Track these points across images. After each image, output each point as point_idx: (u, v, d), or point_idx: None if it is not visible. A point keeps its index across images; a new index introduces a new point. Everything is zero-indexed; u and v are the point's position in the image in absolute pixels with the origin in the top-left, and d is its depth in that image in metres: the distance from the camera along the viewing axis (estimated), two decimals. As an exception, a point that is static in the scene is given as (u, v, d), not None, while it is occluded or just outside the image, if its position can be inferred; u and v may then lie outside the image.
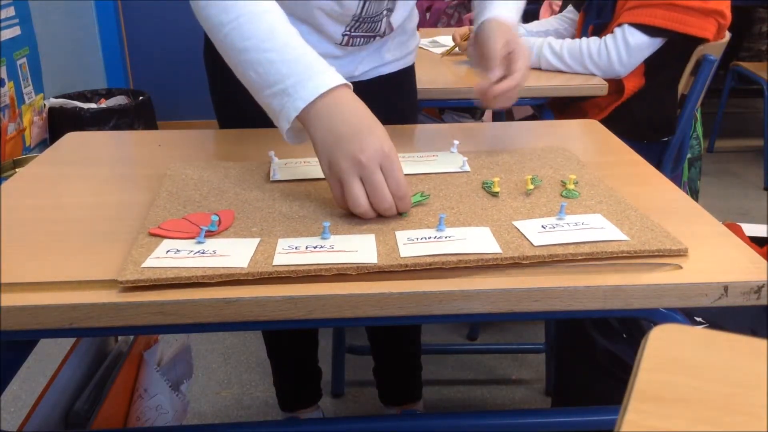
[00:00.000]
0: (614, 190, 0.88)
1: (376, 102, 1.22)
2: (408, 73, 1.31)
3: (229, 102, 1.25)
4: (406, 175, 0.86)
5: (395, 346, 1.59)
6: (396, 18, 1.17)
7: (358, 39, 1.15)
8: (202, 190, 0.91)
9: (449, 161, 1.00)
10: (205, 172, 0.98)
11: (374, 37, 1.16)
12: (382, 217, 0.81)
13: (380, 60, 1.22)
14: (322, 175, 0.94)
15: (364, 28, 1.13)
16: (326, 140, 0.82)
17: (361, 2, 1.08)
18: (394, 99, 1.28)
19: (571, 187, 0.89)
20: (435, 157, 1.02)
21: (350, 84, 0.87)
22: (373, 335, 1.59)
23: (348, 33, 1.13)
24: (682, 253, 0.72)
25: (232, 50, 0.89)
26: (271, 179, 0.95)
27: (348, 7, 1.08)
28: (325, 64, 0.87)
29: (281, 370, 1.56)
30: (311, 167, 0.98)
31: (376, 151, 0.79)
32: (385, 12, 1.13)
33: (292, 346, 1.53)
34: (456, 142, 1.04)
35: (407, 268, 0.71)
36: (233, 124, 1.23)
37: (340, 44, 1.14)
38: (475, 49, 1.11)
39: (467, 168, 0.97)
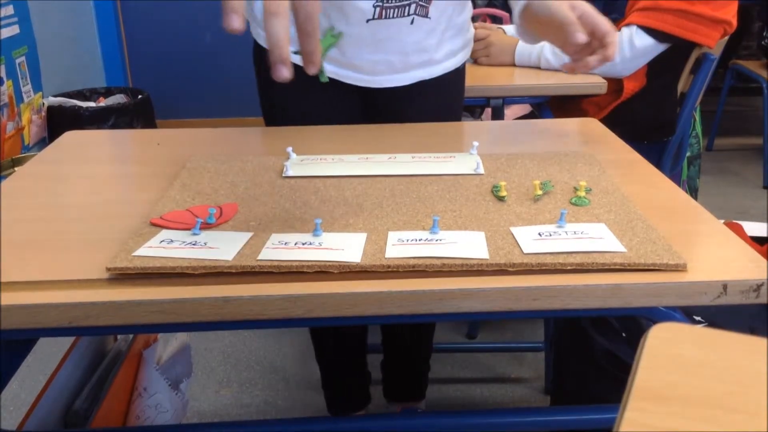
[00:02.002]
0: (627, 199, 0.86)
1: (420, 110, 1.22)
2: (456, 76, 1.27)
3: (275, 107, 1.26)
4: (415, 176, 0.85)
5: (406, 344, 1.58)
6: (436, 13, 1.13)
7: (392, 10, 1.10)
8: (215, 183, 0.93)
9: (464, 163, 0.99)
10: (223, 165, 0.99)
11: (409, 6, 1.11)
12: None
13: (427, 54, 1.18)
14: (333, 173, 0.95)
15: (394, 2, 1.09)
16: None
17: None
18: (439, 104, 1.25)
19: (582, 194, 0.87)
20: (452, 158, 1.02)
21: None
22: (386, 330, 1.59)
23: (380, 3, 1.09)
24: (679, 269, 0.70)
25: None
26: (283, 175, 0.95)
27: None
28: None
29: (329, 374, 1.56)
30: (325, 164, 0.99)
31: None
32: None
33: (343, 350, 1.52)
34: (476, 143, 1.03)
35: (389, 269, 0.71)
36: (279, 124, 1.24)
37: (373, 18, 1.10)
38: (528, 29, 1.05)
39: (481, 170, 0.97)
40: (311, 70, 0.71)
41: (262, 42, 1.19)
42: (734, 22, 1.65)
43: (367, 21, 1.11)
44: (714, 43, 1.65)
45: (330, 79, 1.16)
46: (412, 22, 1.13)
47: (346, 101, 1.24)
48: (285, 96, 1.23)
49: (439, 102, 1.27)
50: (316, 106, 1.21)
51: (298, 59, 1.19)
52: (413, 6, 1.12)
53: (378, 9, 1.10)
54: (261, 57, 1.22)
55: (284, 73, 0.67)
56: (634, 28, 1.63)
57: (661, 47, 1.64)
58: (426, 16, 1.14)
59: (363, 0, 1.09)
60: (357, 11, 1.10)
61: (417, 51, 1.18)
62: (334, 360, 1.54)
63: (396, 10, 1.11)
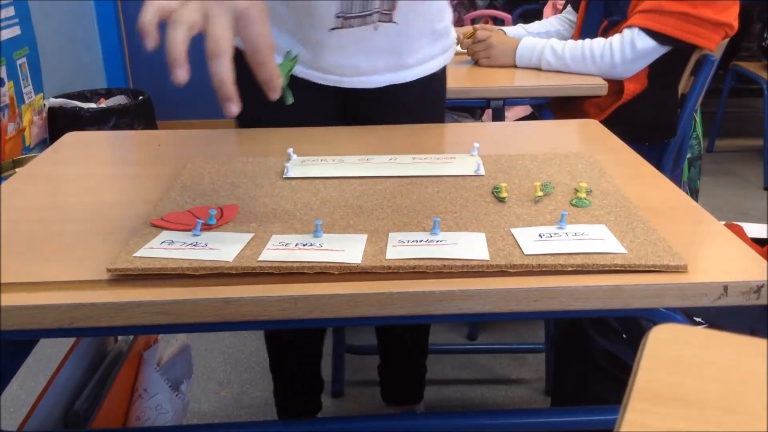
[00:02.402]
0: (628, 200, 0.86)
1: (398, 113, 1.21)
2: (434, 81, 1.25)
3: (246, 116, 1.25)
4: (416, 177, 0.85)
5: (403, 346, 1.58)
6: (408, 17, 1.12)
7: (354, 20, 1.10)
8: (216, 184, 0.93)
9: (465, 164, 0.99)
10: (224, 166, 0.99)
11: (372, 15, 1.10)
12: None
13: (398, 60, 1.18)
14: (334, 174, 0.95)
15: (357, 9, 1.08)
16: None
17: None
18: (416, 110, 1.24)
19: (582, 195, 0.87)
20: (453, 160, 1.02)
21: None
22: (381, 332, 1.59)
23: (342, 14, 1.09)
24: (680, 270, 0.70)
25: None
26: (283, 176, 0.95)
27: None
28: None
29: (282, 382, 1.54)
30: (326, 165, 0.99)
31: None
32: None
33: (295, 358, 1.51)
34: (476, 144, 1.03)
35: (390, 270, 0.71)
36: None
37: (336, 28, 1.10)
38: None
39: (482, 172, 0.97)
40: (272, 96, 0.71)
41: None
42: (735, 24, 1.65)
43: (330, 30, 1.11)
44: (715, 46, 1.65)
45: (300, 78, 1.17)
46: (375, 29, 1.13)
47: (320, 105, 1.23)
48: (256, 102, 1.23)
49: (416, 107, 1.26)
50: (289, 110, 1.21)
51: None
52: (375, 15, 1.11)
53: (340, 20, 1.10)
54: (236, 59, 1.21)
55: (232, 110, 0.68)
56: (636, 29, 1.63)
57: (663, 50, 1.64)
58: (390, 21, 1.13)
59: (326, 9, 1.08)
60: (320, 20, 1.10)
61: (383, 54, 1.17)
62: (286, 366, 1.52)
63: (358, 19, 1.11)
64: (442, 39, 1.24)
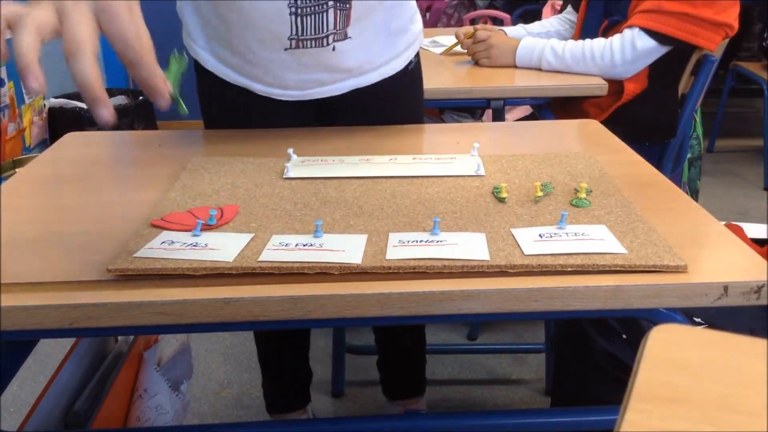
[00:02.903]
0: (628, 200, 0.86)
1: (369, 116, 1.19)
2: (402, 79, 1.22)
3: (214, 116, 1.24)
4: (416, 177, 0.85)
5: (399, 339, 1.58)
6: (358, 11, 1.06)
7: (308, 41, 1.06)
8: (216, 184, 0.93)
9: (465, 164, 1.00)
10: (224, 166, 0.99)
11: (327, 37, 1.07)
12: None
13: (357, 71, 1.15)
14: (334, 174, 0.95)
15: (310, 26, 1.04)
16: None
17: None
18: (388, 112, 1.22)
19: (582, 195, 0.87)
20: (453, 160, 1.02)
21: None
22: (377, 329, 1.59)
23: (295, 36, 1.05)
24: (680, 270, 0.70)
25: None
26: (283, 176, 0.95)
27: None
28: None
29: (270, 373, 1.55)
30: (326, 166, 0.99)
31: None
32: (331, 3, 1.03)
33: (283, 349, 1.51)
34: (476, 144, 1.03)
35: (390, 271, 0.71)
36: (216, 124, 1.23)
37: (290, 48, 1.07)
38: None
39: (482, 172, 0.97)
40: (160, 104, 0.63)
41: (201, 62, 1.18)
42: (736, 25, 1.65)
43: (285, 50, 1.08)
44: (715, 47, 1.65)
45: (264, 97, 1.15)
46: (333, 50, 1.10)
47: (292, 118, 1.20)
48: (225, 117, 1.23)
49: (390, 105, 1.23)
50: (261, 124, 1.19)
51: (217, 67, 1.07)
52: (330, 37, 1.08)
53: (294, 41, 1.06)
54: (200, 70, 1.21)
55: (104, 115, 0.59)
56: (636, 30, 1.63)
57: (663, 50, 1.64)
58: (345, 38, 1.09)
59: (276, 32, 1.05)
60: (274, 40, 1.07)
61: (344, 68, 1.15)
62: (276, 359, 1.52)
63: (312, 41, 1.07)
64: (401, 34, 1.20)
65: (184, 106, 0.71)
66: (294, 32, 1.05)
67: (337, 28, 1.07)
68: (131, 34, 0.60)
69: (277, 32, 1.06)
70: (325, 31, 1.06)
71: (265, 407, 1.59)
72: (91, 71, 0.59)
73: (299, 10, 1.03)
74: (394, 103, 1.24)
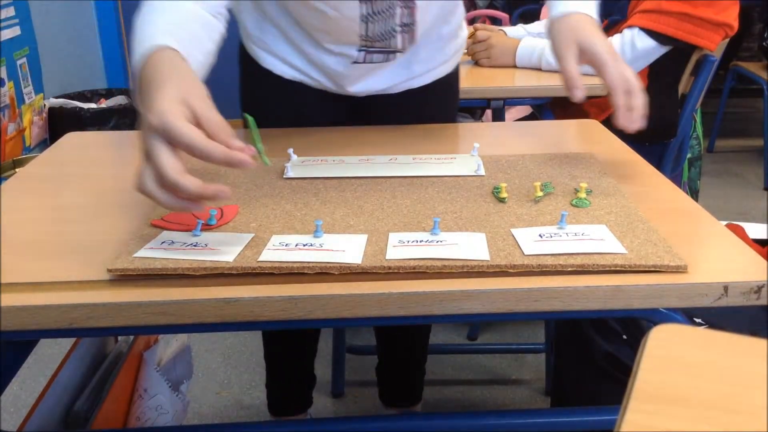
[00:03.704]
0: (628, 200, 0.86)
1: (407, 115, 1.22)
2: (446, 82, 1.25)
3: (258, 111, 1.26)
4: (416, 177, 0.84)
5: (402, 348, 1.58)
6: (420, 31, 1.11)
7: (376, 56, 1.12)
8: (216, 184, 0.92)
9: (465, 164, 0.99)
10: (224, 166, 0.99)
11: (393, 53, 1.12)
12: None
13: (409, 74, 1.19)
14: (334, 174, 0.95)
15: (378, 47, 1.11)
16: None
17: (363, 24, 1.05)
18: (426, 111, 1.24)
19: (582, 195, 0.87)
20: (453, 160, 1.02)
21: (171, 47, 0.80)
22: (380, 334, 1.58)
23: (365, 49, 1.11)
24: (680, 270, 0.70)
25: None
26: (283, 176, 0.95)
27: (349, 30, 1.06)
28: (159, 35, 0.81)
29: (275, 374, 1.54)
30: (326, 166, 0.99)
31: (157, 114, 0.71)
32: (398, 29, 1.08)
33: (291, 351, 1.51)
34: (476, 145, 1.03)
35: (390, 271, 0.71)
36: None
37: (358, 62, 1.12)
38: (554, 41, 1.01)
39: (482, 172, 0.97)
40: (248, 166, 0.71)
41: (253, 55, 1.20)
42: (735, 25, 1.65)
43: (352, 63, 1.13)
44: (715, 47, 1.65)
45: (311, 87, 1.19)
46: (393, 60, 1.15)
47: (329, 109, 1.23)
48: (268, 105, 1.24)
49: (431, 106, 1.26)
50: (299, 114, 1.22)
51: (274, 63, 1.14)
52: (397, 54, 1.13)
53: (363, 53, 1.11)
54: (247, 67, 1.22)
55: (223, 194, 0.71)
56: (636, 29, 1.63)
57: (663, 50, 1.64)
58: (405, 51, 1.14)
59: (344, 47, 1.10)
60: (344, 56, 1.12)
61: (396, 74, 1.18)
62: (283, 360, 1.52)
63: (379, 55, 1.12)
64: (452, 40, 1.23)
65: (267, 160, 0.79)
66: (361, 58, 1.11)
67: (405, 45, 1.11)
68: (187, 139, 0.69)
69: (347, 52, 1.11)
70: (392, 46, 1.11)
71: (267, 406, 1.59)
72: (192, 189, 0.69)
73: (368, 35, 1.08)
74: (435, 104, 1.27)
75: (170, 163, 0.69)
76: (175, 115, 0.70)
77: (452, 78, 1.28)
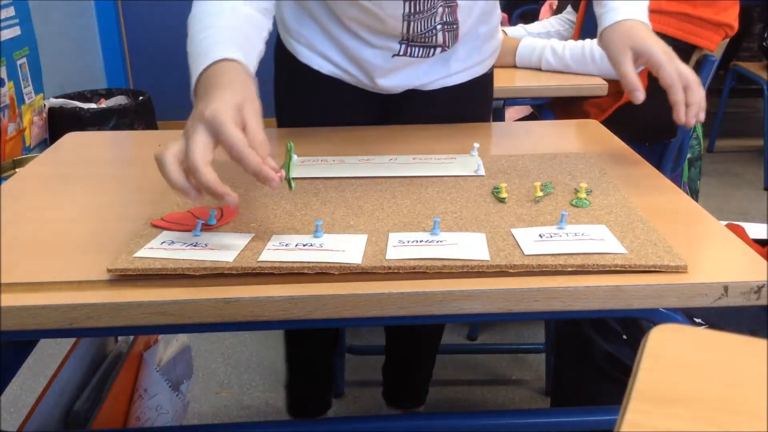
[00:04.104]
0: (628, 200, 0.86)
1: (444, 113, 1.22)
2: (480, 82, 1.25)
3: (293, 112, 1.27)
4: (416, 177, 0.86)
5: (412, 349, 1.57)
6: (463, 30, 1.13)
7: (417, 50, 1.12)
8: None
9: (465, 164, 0.99)
10: (224, 166, 0.99)
11: (434, 48, 1.12)
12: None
13: (446, 71, 1.18)
14: (334, 174, 0.95)
15: (419, 42, 1.10)
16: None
17: (405, 22, 1.06)
18: (462, 110, 1.24)
19: (582, 195, 0.87)
20: (453, 160, 1.02)
21: (238, 60, 0.84)
22: (390, 333, 1.58)
23: (405, 42, 1.11)
24: (681, 270, 0.70)
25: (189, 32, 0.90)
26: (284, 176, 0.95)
27: (392, 27, 1.07)
28: (226, 45, 0.85)
29: (297, 376, 1.55)
30: (326, 166, 0.99)
31: (212, 112, 0.74)
32: (439, 27, 1.09)
33: (315, 354, 1.51)
34: (476, 145, 1.03)
35: (390, 271, 0.71)
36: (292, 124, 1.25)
37: (399, 54, 1.12)
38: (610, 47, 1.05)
39: (482, 172, 0.97)
40: (272, 186, 0.74)
41: (291, 49, 1.20)
42: (736, 25, 1.64)
43: (392, 56, 1.13)
44: (715, 47, 1.65)
45: (347, 84, 1.19)
46: (433, 55, 1.15)
47: (364, 106, 1.23)
48: (302, 100, 1.25)
49: (465, 106, 1.26)
50: (331, 111, 1.22)
51: (312, 58, 1.13)
52: (438, 49, 1.13)
53: (404, 46, 1.11)
54: (284, 62, 1.22)
55: (231, 201, 0.73)
56: None
57: None
58: (446, 49, 1.14)
59: (385, 41, 1.11)
60: (385, 49, 1.12)
61: (436, 72, 1.18)
62: (306, 363, 1.52)
63: (420, 49, 1.12)
64: (488, 41, 1.23)
65: (293, 186, 0.80)
66: (402, 51, 1.12)
67: (446, 44, 1.12)
68: (231, 139, 0.72)
69: (388, 44, 1.12)
70: (434, 42, 1.11)
71: (286, 408, 1.60)
72: (208, 178, 0.71)
73: (410, 33, 1.08)
74: (467, 104, 1.27)
75: (201, 148, 0.72)
76: (229, 115, 0.74)
77: (488, 79, 1.29)
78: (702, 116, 0.96)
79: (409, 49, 1.11)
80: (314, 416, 1.59)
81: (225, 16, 0.89)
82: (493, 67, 1.29)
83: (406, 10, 1.05)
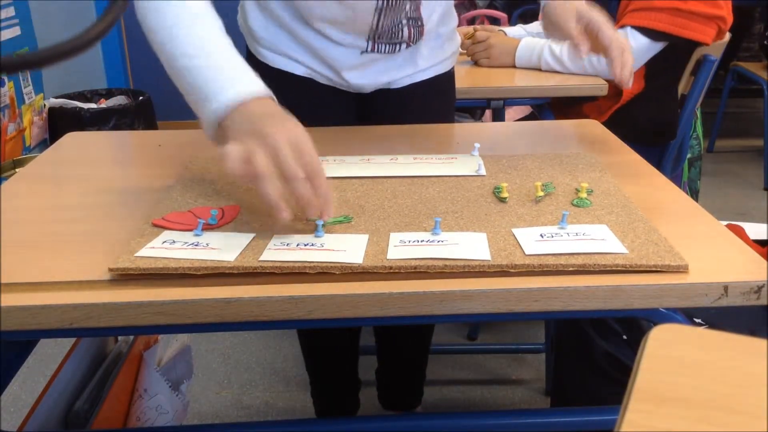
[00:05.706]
0: (629, 200, 0.86)
1: (412, 109, 1.26)
2: (444, 78, 1.31)
3: None
4: (417, 177, 0.86)
5: (404, 350, 1.58)
6: (427, 27, 1.19)
7: (384, 46, 1.17)
8: (217, 185, 0.93)
9: (466, 164, 1.00)
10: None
11: (400, 44, 1.18)
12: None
13: (414, 67, 1.24)
14: (335, 174, 0.95)
15: (386, 38, 1.16)
16: (239, 135, 0.81)
17: (376, 16, 1.11)
18: (429, 105, 1.29)
19: (583, 195, 0.87)
20: (454, 160, 1.02)
21: (269, 93, 0.87)
22: (381, 336, 1.58)
23: (372, 39, 1.16)
24: (681, 270, 0.70)
25: (165, 55, 0.95)
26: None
27: (362, 22, 1.12)
28: (244, 71, 0.88)
29: (320, 383, 1.56)
30: (327, 166, 0.99)
31: (286, 131, 0.78)
32: (405, 21, 1.15)
33: (332, 358, 1.53)
34: (477, 145, 1.03)
35: (391, 271, 0.71)
36: None
37: (366, 51, 1.17)
38: (549, 29, 1.09)
39: (483, 172, 0.97)
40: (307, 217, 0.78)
41: (261, 57, 1.23)
42: (729, 17, 1.64)
43: (361, 53, 1.17)
44: (710, 40, 1.65)
45: (321, 84, 1.22)
46: (399, 51, 1.20)
47: (340, 105, 1.26)
48: (282, 104, 1.25)
49: (433, 101, 1.30)
50: (308, 111, 1.23)
51: (283, 63, 1.18)
52: (403, 45, 1.18)
53: (371, 43, 1.16)
54: (256, 70, 1.24)
55: (283, 218, 0.75)
56: (628, 29, 1.63)
57: (657, 46, 1.64)
58: (411, 45, 1.20)
59: (354, 38, 1.15)
60: (353, 47, 1.16)
61: (404, 69, 1.23)
62: (323, 368, 1.54)
63: (387, 46, 1.17)
64: (449, 41, 1.29)
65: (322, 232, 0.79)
66: (369, 47, 1.17)
67: (411, 40, 1.18)
68: (316, 164, 0.76)
69: (356, 42, 1.16)
70: (400, 38, 1.17)
71: (315, 414, 1.61)
72: (271, 191, 0.74)
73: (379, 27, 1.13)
74: (438, 99, 1.32)
75: (313, 151, 0.77)
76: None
77: (451, 76, 1.35)
78: (631, 82, 1.03)
79: (376, 46, 1.16)
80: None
81: (201, 21, 0.92)
82: (454, 67, 1.36)
83: (379, 4, 1.10)
